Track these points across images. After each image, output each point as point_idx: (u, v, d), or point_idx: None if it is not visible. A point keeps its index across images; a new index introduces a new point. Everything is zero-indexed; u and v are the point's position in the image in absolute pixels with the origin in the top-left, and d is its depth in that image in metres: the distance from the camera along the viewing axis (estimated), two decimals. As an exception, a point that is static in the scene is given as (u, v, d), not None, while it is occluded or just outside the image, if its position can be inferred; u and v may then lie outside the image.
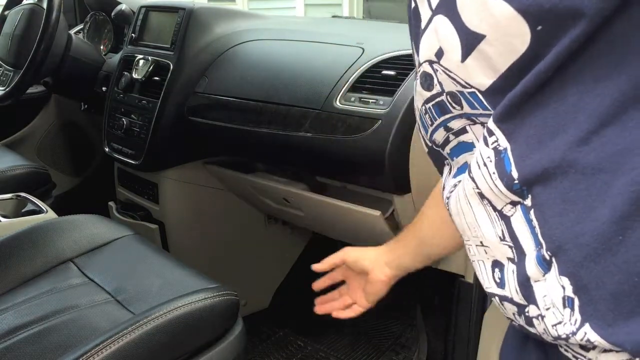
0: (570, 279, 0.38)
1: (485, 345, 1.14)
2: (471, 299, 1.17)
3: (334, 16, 2.76)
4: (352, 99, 1.10)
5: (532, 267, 0.41)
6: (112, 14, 1.72)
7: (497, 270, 0.46)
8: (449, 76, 0.44)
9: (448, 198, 0.51)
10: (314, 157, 1.18)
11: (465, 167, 0.49)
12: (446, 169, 0.54)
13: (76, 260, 1.11)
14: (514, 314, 0.45)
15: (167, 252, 1.24)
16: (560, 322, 0.40)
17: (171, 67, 1.42)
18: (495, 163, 0.41)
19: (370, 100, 1.07)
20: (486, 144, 0.42)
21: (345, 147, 1.08)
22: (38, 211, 1.29)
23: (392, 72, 1.08)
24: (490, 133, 0.41)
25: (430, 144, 0.53)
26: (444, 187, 0.54)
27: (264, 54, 1.36)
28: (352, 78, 1.12)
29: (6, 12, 1.82)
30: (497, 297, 0.47)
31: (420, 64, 0.47)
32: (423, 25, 0.45)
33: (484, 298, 1.16)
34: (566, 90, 0.37)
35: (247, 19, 1.55)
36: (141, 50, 1.53)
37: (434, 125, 0.50)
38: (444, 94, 0.46)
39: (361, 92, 1.10)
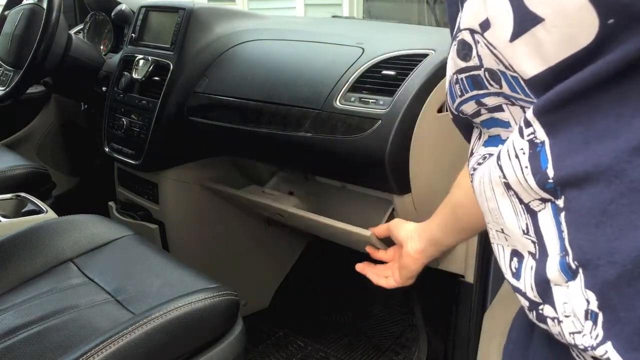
0: (597, 295, 0.35)
1: (485, 345, 1.14)
2: (471, 299, 1.17)
3: (334, 16, 2.76)
4: (352, 99, 1.10)
5: (553, 271, 0.38)
6: (112, 14, 1.73)
7: (515, 259, 0.43)
8: (492, 52, 0.39)
9: (474, 170, 0.47)
10: (314, 157, 1.18)
11: (498, 139, 0.46)
12: (476, 132, 0.50)
13: (76, 260, 1.11)
14: (526, 307, 0.43)
15: (167, 252, 1.24)
16: (579, 332, 0.37)
17: (171, 67, 1.42)
18: (529, 157, 0.38)
19: (370, 100, 1.07)
20: (521, 135, 0.38)
21: (345, 147, 1.08)
22: (38, 211, 1.29)
23: (392, 72, 1.08)
24: (528, 124, 0.38)
25: (456, 113, 0.49)
26: (471, 153, 0.50)
27: (264, 54, 1.36)
28: (352, 78, 1.12)
29: (6, 12, 1.82)
30: (510, 285, 0.44)
31: (459, 30, 0.43)
32: None
33: (484, 298, 1.16)
34: (626, 92, 0.34)
35: (247, 19, 1.55)
36: (141, 50, 1.53)
37: (464, 98, 0.46)
38: (482, 69, 0.42)
39: (361, 92, 1.10)
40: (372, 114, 1.05)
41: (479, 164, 0.47)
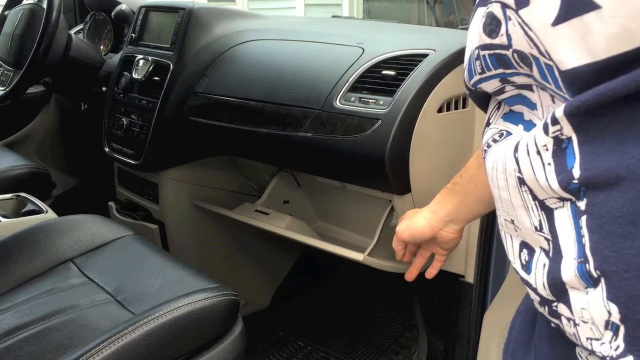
0: (621, 308, 0.33)
1: (485, 345, 1.14)
2: (471, 299, 1.17)
3: (334, 16, 2.76)
4: (352, 99, 1.10)
5: (569, 275, 0.35)
6: (112, 14, 1.73)
7: (525, 251, 0.41)
8: (526, 34, 0.35)
9: (488, 146, 0.43)
10: (313, 157, 1.18)
11: (520, 117, 0.41)
12: (493, 102, 0.46)
13: (76, 260, 1.11)
14: (536, 301, 0.41)
15: (167, 252, 1.24)
16: (597, 339, 0.35)
17: (171, 67, 1.42)
18: (553, 153, 0.34)
19: (370, 100, 1.07)
20: (546, 131, 0.35)
21: (345, 147, 1.08)
22: (38, 211, 1.29)
23: (392, 72, 1.08)
24: (555, 122, 0.34)
25: (473, 89, 0.45)
26: (488, 123, 0.46)
27: (264, 54, 1.36)
28: (352, 78, 1.12)
29: (6, 12, 1.82)
30: (519, 277, 0.42)
31: (489, 1, 0.38)
32: None
33: (484, 298, 1.17)
34: None
35: (247, 19, 1.55)
36: (141, 50, 1.53)
37: (485, 75, 0.42)
38: (510, 49, 0.37)
39: (361, 92, 1.10)
40: (372, 114, 1.05)
41: (495, 140, 0.43)
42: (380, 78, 1.09)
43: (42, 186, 1.61)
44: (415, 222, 0.86)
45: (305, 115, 1.15)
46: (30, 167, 1.60)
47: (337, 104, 1.11)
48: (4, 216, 1.27)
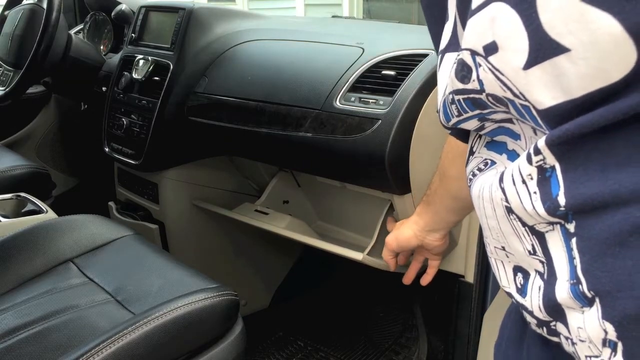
0: (616, 327, 0.33)
1: (485, 345, 1.14)
2: (471, 299, 1.17)
3: (334, 16, 2.75)
4: (352, 99, 1.10)
5: (563, 295, 0.36)
6: (112, 14, 1.73)
7: (519, 275, 0.41)
8: (498, 78, 0.36)
9: (474, 175, 0.44)
10: (313, 157, 1.18)
11: (503, 146, 0.42)
12: (473, 134, 0.47)
13: (76, 260, 1.11)
14: (533, 324, 0.41)
15: (167, 252, 1.24)
16: (596, 357, 0.35)
17: (171, 67, 1.42)
18: (538, 182, 0.35)
19: (370, 100, 1.07)
20: (529, 161, 0.35)
21: (345, 147, 1.08)
22: (38, 211, 1.29)
23: (392, 72, 1.09)
24: (537, 152, 0.35)
25: (452, 128, 0.46)
26: (471, 151, 0.47)
27: (264, 54, 1.36)
28: (352, 78, 1.12)
29: (6, 12, 1.82)
30: (514, 301, 0.42)
31: (460, 49, 0.39)
32: (474, 5, 0.37)
33: (484, 298, 1.17)
34: None
35: (247, 19, 1.55)
36: (141, 50, 1.53)
37: (463, 117, 0.43)
38: (483, 93, 0.38)
39: (361, 92, 1.10)
40: (372, 114, 1.05)
41: (479, 169, 0.44)
42: (380, 78, 1.09)
43: (42, 186, 1.60)
44: (402, 232, 0.94)
45: (305, 115, 1.15)
46: (30, 167, 1.60)
47: (337, 104, 1.11)
48: (4, 216, 1.27)
